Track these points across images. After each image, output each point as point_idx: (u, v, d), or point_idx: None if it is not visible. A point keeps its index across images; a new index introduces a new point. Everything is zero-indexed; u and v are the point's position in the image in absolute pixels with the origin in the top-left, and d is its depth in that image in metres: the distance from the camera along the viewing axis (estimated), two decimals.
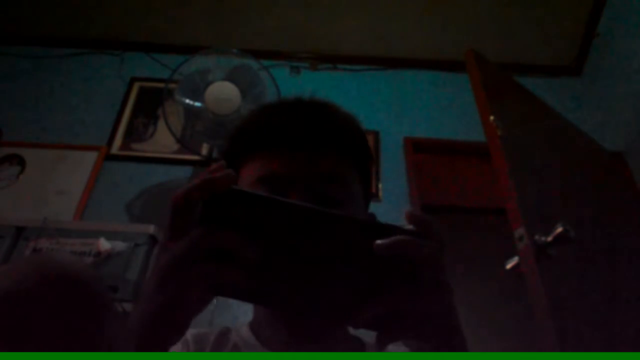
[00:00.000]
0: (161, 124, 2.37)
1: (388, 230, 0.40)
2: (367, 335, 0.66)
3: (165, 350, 0.39)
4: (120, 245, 1.68)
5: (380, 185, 2.25)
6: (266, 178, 0.60)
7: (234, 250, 0.37)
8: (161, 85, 2.29)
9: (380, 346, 0.39)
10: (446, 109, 2.56)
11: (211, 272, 0.37)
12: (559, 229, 1.21)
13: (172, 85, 2.07)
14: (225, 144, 0.70)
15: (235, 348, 0.63)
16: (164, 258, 0.39)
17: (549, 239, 1.22)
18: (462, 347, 0.41)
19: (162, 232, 0.42)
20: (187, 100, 2.02)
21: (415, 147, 2.40)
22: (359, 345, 0.66)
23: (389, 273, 0.39)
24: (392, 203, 2.17)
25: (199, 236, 0.37)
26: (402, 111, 2.55)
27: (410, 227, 0.41)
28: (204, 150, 2.32)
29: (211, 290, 0.38)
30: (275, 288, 0.39)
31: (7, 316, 0.31)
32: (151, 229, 1.76)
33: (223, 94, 1.99)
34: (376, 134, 2.41)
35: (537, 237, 1.24)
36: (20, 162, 2.28)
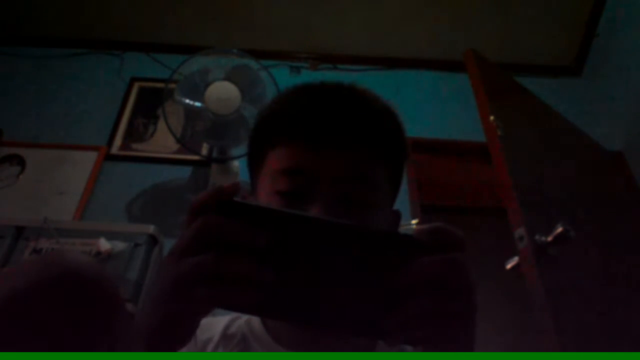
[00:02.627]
0: (161, 124, 2.37)
1: (406, 242, 0.39)
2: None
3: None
4: (120, 245, 1.68)
5: None
6: (292, 171, 0.57)
7: (241, 272, 0.37)
8: (161, 85, 2.28)
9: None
10: (446, 109, 2.56)
11: (218, 293, 0.37)
12: (559, 229, 1.21)
13: (172, 85, 2.07)
14: (254, 126, 0.66)
15: (244, 340, 0.62)
16: (174, 271, 0.38)
17: (549, 239, 1.22)
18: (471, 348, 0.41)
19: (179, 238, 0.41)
20: (187, 100, 2.02)
21: (415, 147, 2.40)
22: (370, 345, 0.64)
23: (411, 283, 0.38)
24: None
25: (206, 255, 0.37)
26: (402, 111, 2.52)
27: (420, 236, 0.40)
28: (204, 150, 2.32)
29: (221, 307, 0.38)
30: (289, 303, 0.38)
31: (19, 315, 0.31)
32: (151, 229, 1.76)
33: (223, 94, 1.99)
34: None
35: (537, 237, 1.24)
36: (20, 162, 2.28)
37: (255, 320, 0.64)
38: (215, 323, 0.64)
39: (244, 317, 0.65)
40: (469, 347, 0.40)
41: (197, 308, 0.38)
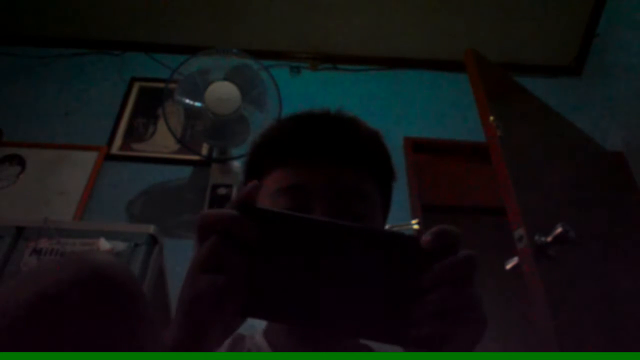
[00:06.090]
0: (161, 124, 2.37)
1: (412, 241, 0.40)
2: (376, 345, 0.66)
3: None
4: (120, 245, 1.67)
5: None
6: (290, 189, 0.61)
7: (231, 264, 0.38)
8: (161, 85, 2.28)
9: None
10: (446, 109, 2.56)
11: (206, 286, 0.37)
12: (559, 229, 1.21)
13: (172, 85, 2.07)
14: (250, 151, 0.71)
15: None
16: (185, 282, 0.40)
17: (549, 239, 1.22)
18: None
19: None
20: (187, 100, 2.02)
21: (415, 147, 2.40)
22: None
23: (431, 281, 0.39)
24: (392, 203, 2.16)
25: (199, 251, 0.39)
26: (402, 111, 2.55)
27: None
28: (204, 150, 2.32)
29: (219, 307, 0.38)
30: (302, 306, 0.39)
31: (45, 316, 0.31)
32: (151, 229, 1.76)
33: (223, 94, 1.99)
34: None
35: (537, 237, 1.24)
36: (20, 162, 2.28)
37: (259, 337, 0.66)
38: None
39: (247, 336, 0.66)
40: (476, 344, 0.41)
41: (209, 317, 0.38)
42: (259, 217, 0.39)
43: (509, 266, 1.31)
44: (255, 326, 0.66)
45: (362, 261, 0.39)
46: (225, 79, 2.02)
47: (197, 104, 2.01)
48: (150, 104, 2.49)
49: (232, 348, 0.64)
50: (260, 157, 0.68)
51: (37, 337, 0.30)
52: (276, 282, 0.39)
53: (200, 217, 0.40)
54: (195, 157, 2.28)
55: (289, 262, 0.39)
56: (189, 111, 2.05)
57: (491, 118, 1.46)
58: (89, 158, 2.29)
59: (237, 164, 2.16)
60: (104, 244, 1.65)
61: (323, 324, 0.40)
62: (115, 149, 2.35)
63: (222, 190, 2.10)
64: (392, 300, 0.38)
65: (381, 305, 0.39)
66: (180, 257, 1.83)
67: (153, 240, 1.77)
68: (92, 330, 0.32)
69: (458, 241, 0.41)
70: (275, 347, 0.63)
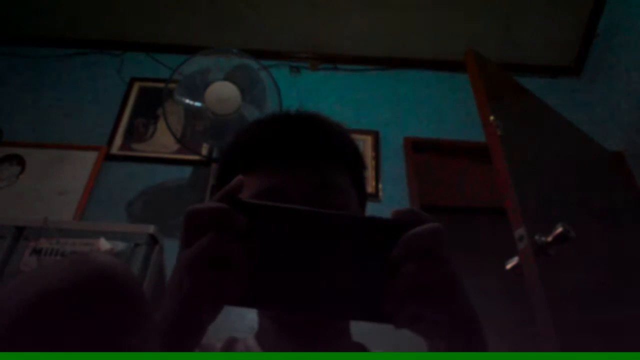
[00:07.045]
0: (161, 124, 2.37)
1: (385, 224, 0.41)
2: (370, 343, 0.66)
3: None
4: (120, 245, 1.67)
5: (380, 186, 2.25)
6: (264, 192, 0.61)
7: (231, 256, 0.39)
8: (161, 85, 2.28)
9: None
10: (446, 109, 2.56)
11: (210, 279, 0.39)
12: (559, 229, 1.21)
13: (172, 85, 2.07)
14: (220, 163, 0.72)
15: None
16: (175, 266, 0.41)
17: (549, 239, 1.22)
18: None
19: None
20: (187, 100, 2.02)
21: (415, 147, 2.40)
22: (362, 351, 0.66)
23: (397, 261, 0.40)
24: (392, 203, 2.16)
25: (198, 246, 0.39)
26: (402, 111, 2.55)
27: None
28: (204, 150, 2.32)
29: (219, 299, 0.39)
30: (288, 293, 0.40)
31: (46, 316, 0.31)
32: (151, 229, 1.76)
33: (223, 94, 1.99)
34: (376, 134, 2.41)
35: (537, 237, 1.24)
36: (20, 162, 2.28)
37: (251, 339, 0.66)
38: (213, 346, 0.65)
39: (239, 340, 0.67)
40: (468, 312, 0.42)
41: (198, 299, 0.39)
42: (246, 210, 0.41)
43: (509, 266, 1.31)
44: (252, 326, 0.67)
45: (345, 245, 0.41)
46: (225, 79, 2.02)
47: (197, 104, 2.01)
48: (150, 104, 2.49)
49: (225, 351, 0.64)
50: (230, 167, 0.68)
51: (39, 336, 0.30)
52: (267, 272, 0.40)
53: (189, 212, 0.41)
54: (195, 157, 2.28)
55: (277, 252, 0.40)
56: (189, 111, 2.05)
57: (491, 118, 1.47)
58: (89, 158, 2.29)
59: None
60: (104, 244, 1.65)
61: (312, 309, 0.41)
62: (115, 149, 2.35)
63: None
64: (376, 281, 0.40)
65: (366, 286, 0.40)
66: None
67: (153, 240, 1.77)
68: (94, 330, 0.32)
69: (428, 221, 0.42)
70: (266, 349, 0.64)
